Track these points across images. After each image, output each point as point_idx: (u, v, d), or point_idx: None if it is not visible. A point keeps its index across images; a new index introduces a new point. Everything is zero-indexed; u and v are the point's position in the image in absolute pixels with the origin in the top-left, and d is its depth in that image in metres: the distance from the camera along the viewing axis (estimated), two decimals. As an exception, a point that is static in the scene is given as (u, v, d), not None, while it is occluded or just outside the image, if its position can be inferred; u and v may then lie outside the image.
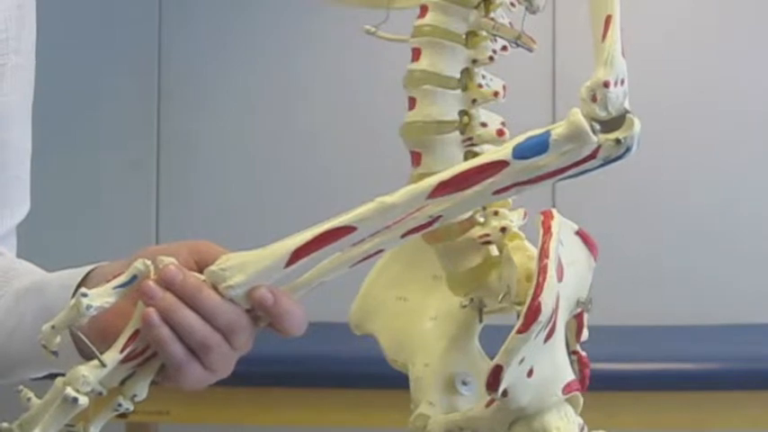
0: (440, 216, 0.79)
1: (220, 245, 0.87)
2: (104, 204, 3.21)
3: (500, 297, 0.84)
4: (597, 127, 0.75)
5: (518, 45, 0.85)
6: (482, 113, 0.87)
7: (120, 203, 3.21)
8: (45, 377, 0.88)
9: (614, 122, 0.75)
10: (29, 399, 0.81)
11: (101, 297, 0.81)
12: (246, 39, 3.21)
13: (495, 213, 0.86)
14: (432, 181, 0.78)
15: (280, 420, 2.45)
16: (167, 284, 0.82)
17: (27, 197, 1.17)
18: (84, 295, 0.80)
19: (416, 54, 0.86)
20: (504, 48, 0.87)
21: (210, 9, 3.23)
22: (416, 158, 0.86)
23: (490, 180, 0.77)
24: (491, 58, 0.86)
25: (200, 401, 2.40)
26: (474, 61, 0.86)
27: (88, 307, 0.79)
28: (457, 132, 0.86)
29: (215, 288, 0.83)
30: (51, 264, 1.04)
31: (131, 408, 0.85)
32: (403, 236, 0.80)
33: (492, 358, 0.78)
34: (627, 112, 0.75)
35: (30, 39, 1.13)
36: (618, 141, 0.75)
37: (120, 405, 0.84)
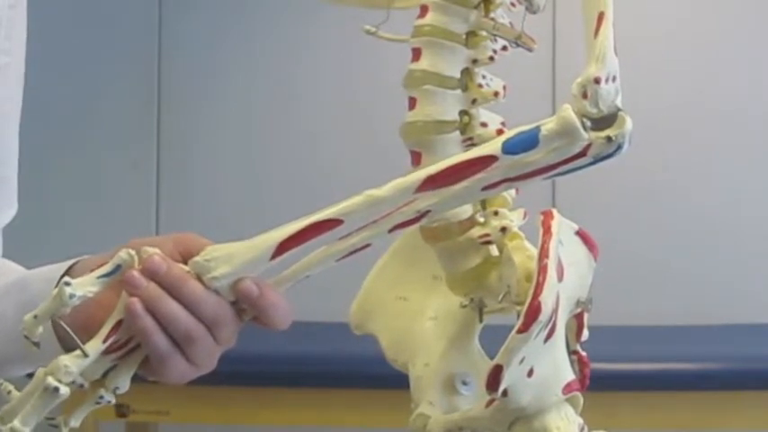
0: (428, 211, 0.79)
1: (219, 243, 0.87)
2: (104, 204, 3.21)
3: (500, 297, 0.83)
4: (588, 124, 0.75)
5: (518, 45, 0.85)
6: (482, 113, 0.87)
7: (120, 203, 3.21)
8: (30, 375, 0.88)
9: (606, 120, 0.75)
10: (9, 392, 0.80)
11: (84, 286, 0.80)
12: (246, 39, 3.21)
13: (495, 213, 0.86)
14: (420, 175, 0.78)
15: (280, 420, 2.45)
16: (151, 274, 0.82)
17: (14, 199, 1.16)
18: (68, 284, 0.79)
19: (416, 54, 0.86)
20: (504, 48, 0.87)
21: (210, 9, 3.23)
22: (416, 158, 0.86)
23: (479, 175, 0.77)
24: (491, 58, 0.86)
25: (200, 401, 2.40)
26: (474, 61, 0.86)
27: (71, 296, 0.79)
28: (457, 132, 0.86)
29: (199, 279, 0.82)
30: (50, 264, 1.04)
31: (113, 400, 0.84)
32: (390, 230, 0.80)
33: (492, 358, 0.78)
34: (619, 109, 0.75)
35: (21, 40, 1.13)
36: (609, 139, 0.75)
37: (101, 398, 0.83)
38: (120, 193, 3.22)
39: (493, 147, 0.77)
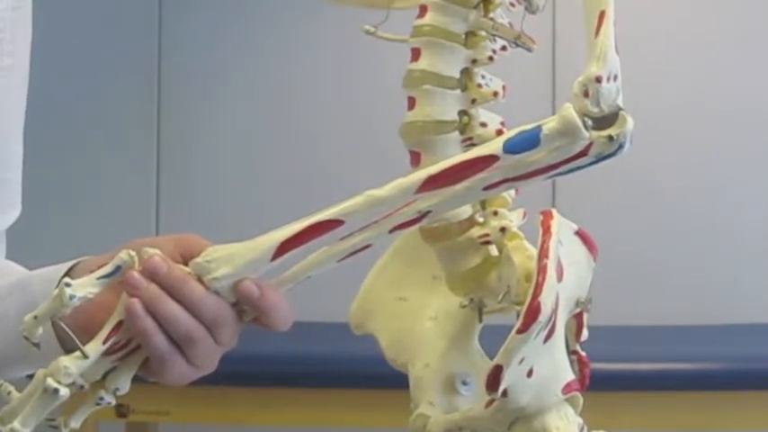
0: (429, 211, 0.79)
1: (220, 244, 0.87)
2: (104, 204, 3.21)
3: (500, 297, 0.83)
4: (589, 123, 0.75)
5: (518, 45, 0.85)
6: (482, 113, 0.87)
7: (119, 203, 3.21)
8: (31, 376, 0.88)
9: (607, 120, 0.75)
10: (9, 392, 0.80)
11: (84, 287, 0.80)
12: (247, 39, 3.21)
13: (495, 213, 0.85)
14: (421, 175, 0.78)
15: (280, 420, 2.45)
16: (152, 275, 0.82)
17: (18, 201, 1.16)
18: (68, 285, 0.79)
19: (416, 54, 0.86)
20: (504, 48, 0.87)
21: (210, 9, 3.23)
22: (416, 158, 0.86)
23: (480, 175, 0.77)
24: (491, 58, 0.86)
25: (200, 401, 2.40)
26: (473, 61, 0.86)
27: (71, 297, 0.79)
28: (456, 132, 0.86)
29: (200, 280, 0.82)
30: (50, 264, 1.04)
31: (113, 402, 0.84)
32: (391, 231, 0.80)
33: (492, 358, 0.78)
34: (620, 108, 0.75)
35: (25, 42, 1.13)
36: (610, 138, 0.74)
37: (102, 399, 0.83)
38: (120, 193, 3.22)
39: (494, 146, 0.77)
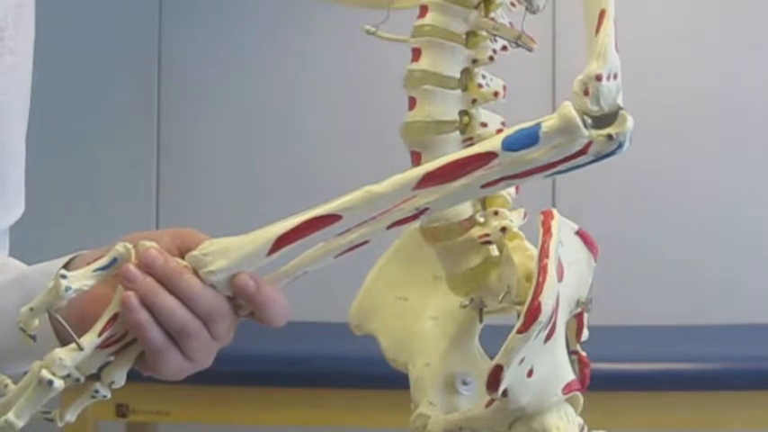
0: (426, 208, 0.79)
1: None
2: (104, 204, 3.21)
3: (500, 297, 0.83)
4: (589, 121, 0.74)
5: (518, 45, 0.85)
6: (482, 113, 0.87)
7: (120, 203, 3.21)
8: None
9: (607, 118, 0.75)
10: (6, 385, 0.80)
11: (80, 279, 0.79)
12: (247, 38, 3.21)
13: (496, 213, 0.85)
14: (419, 171, 0.78)
15: (280, 420, 2.45)
16: (148, 268, 0.81)
17: (21, 199, 1.16)
18: (64, 277, 0.79)
19: (416, 54, 0.86)
20: (504, 48, 0.87)
21: (210, 9, 3.23)
22: (416, 158, 0.86)
23: (478, 173, 0.77)
24: (491, 58, 0.86)
25: (201, 401, 2.40)
26: (474, 61, 0.86)
27: (67, 288, 0.78)
28: (457, 132, 0.86)
29: (196, 273, 0.82)
30: (51, 262, 1.04)
31: (108, 395, 0.83)
32: (389, 227, 0.80)
33: (492, 358, 0.78)
34: (620, 107, 0.75)
35: (28, 40, 1.13)
36: (610, 137, 0.74)
37: (97, 391, 0.83)
38: (120, 192, 3.22)
39: (493, 143, 0.76)
